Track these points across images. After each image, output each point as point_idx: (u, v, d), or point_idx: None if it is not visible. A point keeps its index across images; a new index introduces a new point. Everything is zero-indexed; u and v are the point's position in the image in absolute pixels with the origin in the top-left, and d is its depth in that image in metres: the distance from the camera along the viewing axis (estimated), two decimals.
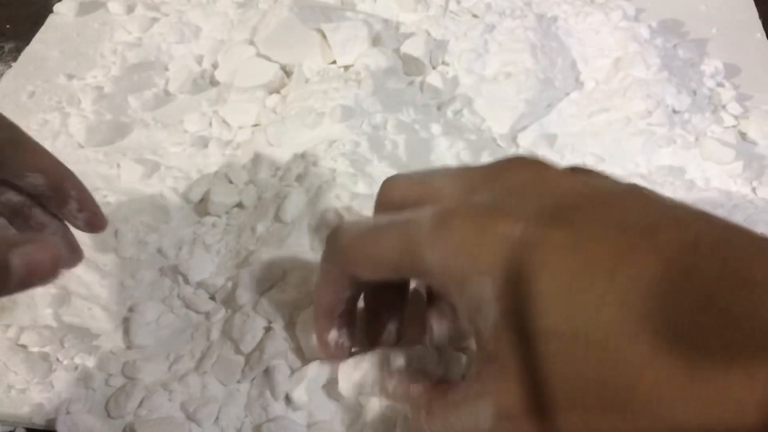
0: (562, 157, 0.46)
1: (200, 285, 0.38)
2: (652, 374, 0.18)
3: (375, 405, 0.33)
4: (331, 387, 0.33)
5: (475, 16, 0.55)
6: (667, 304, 0.18)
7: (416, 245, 0.22)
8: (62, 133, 0.48)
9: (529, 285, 0.20)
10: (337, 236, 0.27)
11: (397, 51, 0.51)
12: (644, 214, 0.21)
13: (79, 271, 0.39)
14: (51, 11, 0.59)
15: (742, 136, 0.48)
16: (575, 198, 0.22)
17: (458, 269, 0.21)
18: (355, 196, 0.40)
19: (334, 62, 0.50)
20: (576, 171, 0.24)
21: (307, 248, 0.39)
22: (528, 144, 0.47)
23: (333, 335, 0.30)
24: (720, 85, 0.51)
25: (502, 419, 0.21)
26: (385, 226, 0.24)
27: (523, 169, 0.23)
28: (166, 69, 0.53)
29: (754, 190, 0.44)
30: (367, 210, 0.40)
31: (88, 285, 0.39)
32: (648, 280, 0.19)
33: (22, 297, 0.38)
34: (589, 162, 0.45)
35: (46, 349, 0.35)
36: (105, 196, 0.43)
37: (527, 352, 0.20)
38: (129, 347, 0.36)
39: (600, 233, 0.20)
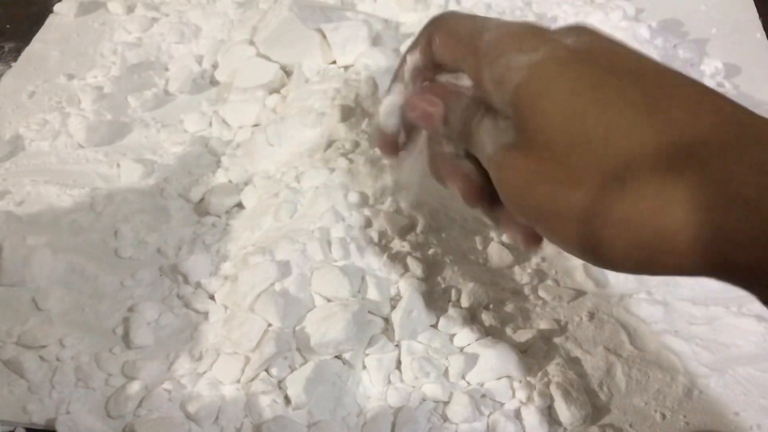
0: None
1: (200, 285, 0.38)
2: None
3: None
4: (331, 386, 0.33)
5: None
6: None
7: (483, 29, 0.26)
8: (62, 133, 0.48)
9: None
10: (445, 15, 0.29)
11: (397, 51, 0.51)
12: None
13: (80, 270, 0.39)
14: (51, 11, 0.59)
15: None
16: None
17: (503, 44, 0.25)
18: (355, 195, 0.40)
19: (334, 62, 0.50)
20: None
21: (306, 248, 0.39)
22: None
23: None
24: (720, 85, 0.51)
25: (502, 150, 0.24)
26: (473, 15, 0.28)
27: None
28: (166, 69, 0.53)
29: None
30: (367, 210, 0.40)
31: (89, 285, 0.39)
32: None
33: (22, 296, 0.38)
34: None
35: (47, 348, 0.35)
36: (105, 197, 0.43)
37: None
38: (129, 347, 0.36)
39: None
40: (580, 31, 0.24)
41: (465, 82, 0.28)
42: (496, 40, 0.25)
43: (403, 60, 0.30)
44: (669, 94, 0.21)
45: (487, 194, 0.27)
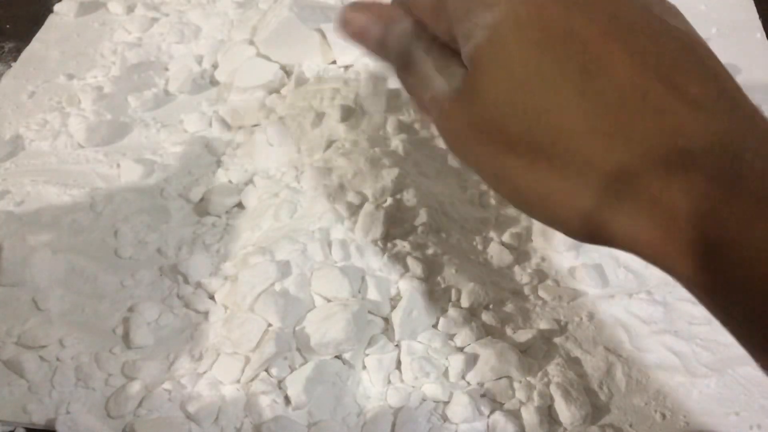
0: None
1: (199, 285, 0.38)
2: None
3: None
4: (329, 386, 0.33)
5: None
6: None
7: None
8: (62, 133, 0.48)
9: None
10: None
11: None
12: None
13: (80, 270, 0.39)
14: (51, 11, 0.59)
15: None
16: None
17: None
18: (355, 195, 0.40)
19: (334, 62, 0.50)
20: None
21: (306, 248, 0.39)
22: None
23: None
24: None
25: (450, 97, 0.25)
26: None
27: None
28: (166, 69, 0.53)
29: None
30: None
31: (89, 285, 0.39)
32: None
33: (22, 296, 0.38)
34: None
35: (47, 348, 0.35)
36: (105, 197, 0.43)
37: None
38: (129, 347, 0.36)
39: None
40: None
41: None
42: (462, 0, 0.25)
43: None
44: (601, 62, 0.22)
45: None
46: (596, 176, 0.21)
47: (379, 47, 0.28)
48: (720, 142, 0.21)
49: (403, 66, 0.28)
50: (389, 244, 0.39)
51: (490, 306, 0.37)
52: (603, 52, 0.22)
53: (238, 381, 0.34)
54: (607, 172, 0.21)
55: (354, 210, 0.40)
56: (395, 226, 0.39)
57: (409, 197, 0.40)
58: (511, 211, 0.43)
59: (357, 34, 0.28)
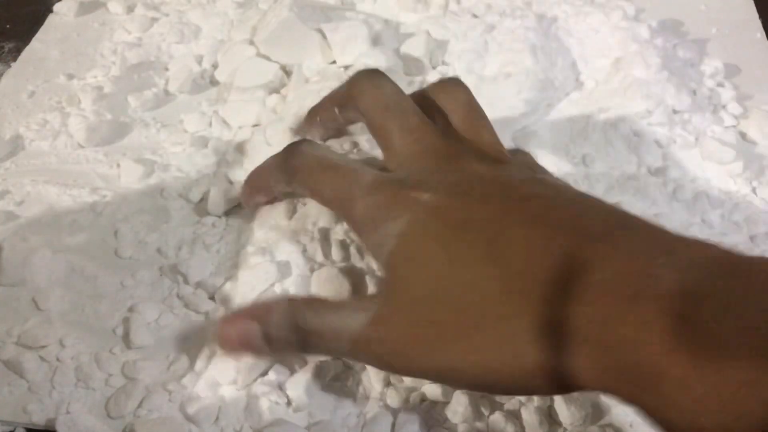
0: (559, 158, 0.46)
1: (199, 285, 0.38)
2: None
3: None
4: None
5: (475, 16, 0.55)
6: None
7: (352, 198, 0.29)
8: (62, 133, 0.48)
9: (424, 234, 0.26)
10: (298, 152, 0.32)
11: (397, 51, 0.51)
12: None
13: (80, 270, 0.39)
14: (51, 11, 0.59)
15: (742, 136, 0.48)
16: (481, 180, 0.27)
17: (375, 218, 0.28)
18: None
19: (334, 62, 0.50)
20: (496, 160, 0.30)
21: (306, 249, 0.39)
22: (526, 143, 0.47)
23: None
24: (720, 85, 0.51)
25: (370, 325, 0.26)
26: (336, 168, 0.30)
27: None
28: (166, 69, 0.53)
29: (754, 190, 0.44)
30: None
31: (89, 285, 0.39)
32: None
33: (22, 296, 0.38)
34: (587, 162, 0.45)
35: (47, 348, 0.35)
36: (105, 196, 0.43)
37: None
38: (129, 347, 0.36)
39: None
40: (439, 180, 0.27)
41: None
42: (366, 214, 0.28)
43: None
44: (507, 239, 0.24)
45: None
46: (529, 329, 0.23)
47: (267, 343, 0.28)
48: (625, 271, 0.22)
49: (303, 342, 0.27)
50: None
51: None
52: (502, 225, 0.25)
53: (237, 382, 0.34)
54: (538, 324, 0.22)
55: None
56: None
57: None
58: None
59: (241, 343, 0.28)
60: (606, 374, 0.22)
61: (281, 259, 0.37)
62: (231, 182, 0.44)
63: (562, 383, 0.23)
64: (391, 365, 0.27)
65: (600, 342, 0.21)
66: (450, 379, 0.26)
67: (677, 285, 0.21)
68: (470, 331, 0.24)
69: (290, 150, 0.32)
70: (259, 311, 0.28)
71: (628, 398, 0.22)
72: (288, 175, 0.32)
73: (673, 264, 0.22)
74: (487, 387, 0.26)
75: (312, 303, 0.28)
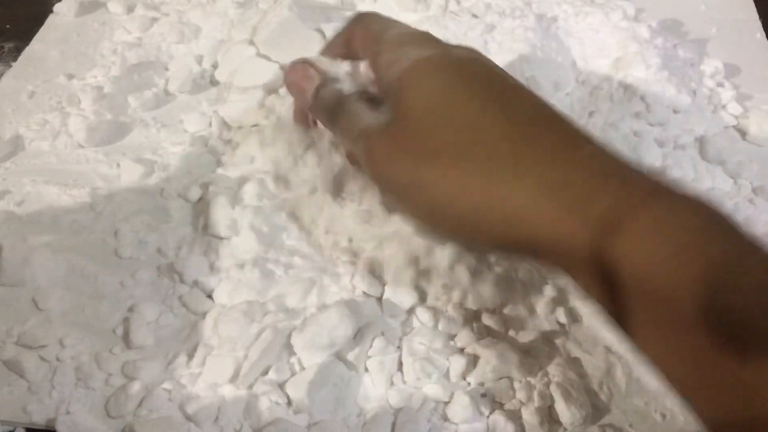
0: None
1: (197, 284, 0.38)
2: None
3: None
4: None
5: (475, 16, 0.55)
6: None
7: (388, 28, 0.31)
8: (62, 133, 0.48)
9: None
10: (367, 13, 0.34)
11: None
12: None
13: (80, 270, 0.39)
14: (51, 11, 0.59)
15: (742, 136, 0.48)
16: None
17: (399, 41, 0.30)
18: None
19: None
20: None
21: (302, 246, 0.39)
22: None
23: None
24: (720, 85, 0.51)
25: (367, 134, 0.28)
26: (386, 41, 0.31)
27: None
28: (166, 69, 0.53)
29: (754, 190, 0.44)
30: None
31: (89, 285, 0.39)
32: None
33: (22, 296, 0.38)
34: None
35: (47, 348, 0.35)
36: (105, 197, 0.43)
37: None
38: (129, 347, 0.36)
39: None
40: (468, 49, 0.29)
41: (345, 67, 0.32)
42: (398, 36, 0.30)
43: (328, 44, 0.35)
44: (515, 95, 0.27)
45: None
46: (512, 170, 0.24)
47: (312, 98, 0.31)
48: (610, 153, 0.25)
49: (333, 114, 0.30)
50: None
51: (495, 309, 0.37)
52: (516, 89, 0.27)
53: (236, 381, 0.34)
54: (521, 167, 0.24)
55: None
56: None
57: None
58: None
59: (298, 87, 0.32)
60: (598, 241, 0.22)
61: (280, 259, 0.37)
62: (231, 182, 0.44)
63: (512, 221, 0.24)
64: (384, 175, 0.27)
65: (574, 190, 0.23)
66: (419, 197, 0.26)
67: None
68: (461, 157, 0.25)
69: (354, 16, 0.35)
70: (322, 69, 0.31)
71: (576, 240, 0.23)
72: (350, 26, 0.34)
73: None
74: (439, 214, 0.26)
75: (355, 95, 0.30)
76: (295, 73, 0.32)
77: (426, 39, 0.29)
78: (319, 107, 0.31)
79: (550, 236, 0.23)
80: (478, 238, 0.26)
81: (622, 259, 0.22)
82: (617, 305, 0.22)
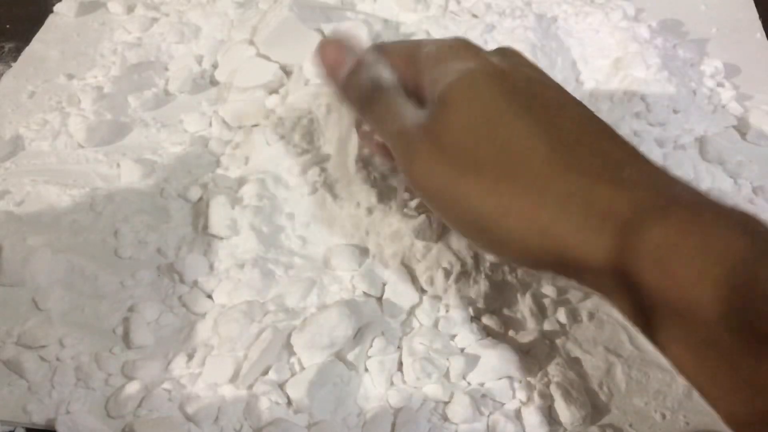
0: None
1: (196, 284, 0.38)
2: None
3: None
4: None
5: (475, 16, 0.55)
6: None
7: (424, 45, 0.31)
8: (62, 133, 0.48)
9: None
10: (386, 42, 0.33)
11: None
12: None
13: (80, 270, 0.39)
14: (51, 11, 0.59)
15: (742, 136, 0.48)
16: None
17: (442, 57, 0.29)
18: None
19: None
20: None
21: (302, 245, 0.39)
22: None
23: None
24: (720, 85, 0.51)
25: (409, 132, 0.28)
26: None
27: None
28: (166, 69, 0.53)
29: (754, 190, 0.44)
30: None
31: (89, 285, 0.39)
32: None
33: (22, 296, 0.38)
34: None
35: (47, 348, 0.35)
36: (105, 197, 0.43)
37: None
38: (129, 347, 0.36)
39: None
40: (506, 51, 0.30)
41: None
42: (436, 51, 0.29)
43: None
44: (559, 113, 0.26)
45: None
46: (555, 194, 0.24)
47: (348, 79, 0.30)
48: (653, 172, 0.25)
49: (369, 101, 0.30)
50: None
51: (495, 309, 0.37)
52: (560, 103, 0.27)
53: (236, 381, 0.34)
54: (564, 192, 0.24)
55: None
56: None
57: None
58: None
59: (330, 65, 0.31)
60: (623, 255, 0.22)
61: (280, 259, 0.37)
62: (230, 182, 0.44)
63: (552, 247, 0.24)
64: (419, 174, 0.27)
65: (628, 226, 0.22)
66: (459, 210, 0.26)
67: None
68: (502, 175, 0.25)
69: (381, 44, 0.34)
70: (359, 51, 0.31)
71: (635, 279, 0.22)
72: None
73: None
74: (480, 229, 0.26)
75: (396, 83, 0.30)
76: (331, 47, 0.31)
77: (464, 48, 0.29)
78: (352, 89, 0.31)
79: (595, 262, 0.23)
80: (521, 257, 0.26)
81: (644, 272, 0.22)
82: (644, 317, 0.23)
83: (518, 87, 0.27)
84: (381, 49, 0.31)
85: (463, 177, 0.26)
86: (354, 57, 0.30)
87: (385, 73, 0.30)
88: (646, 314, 0.22)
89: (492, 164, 0.25)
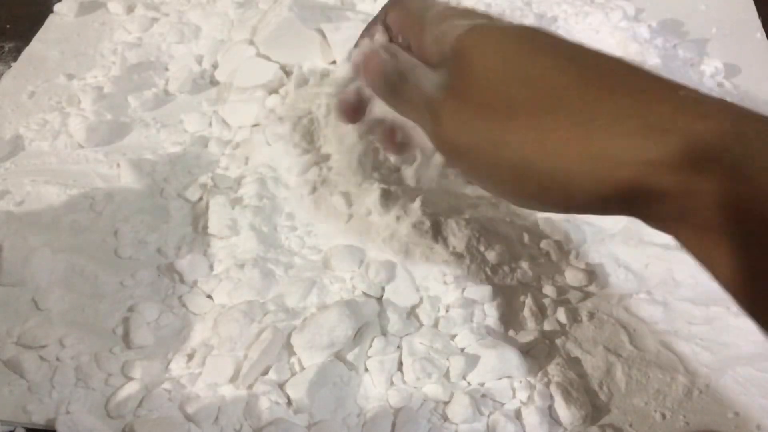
0: None
1: (196, 284, 0.38)
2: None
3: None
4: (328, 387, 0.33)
5: None
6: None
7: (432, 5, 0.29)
8: (62, 133, 0.48)
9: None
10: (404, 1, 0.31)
11: None
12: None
13: (80, 270, 0.39)
14: (51, 11, 0.59)
15: None
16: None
17: (448, 14, 0.28)
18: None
19: (334, 62, 0.50)
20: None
21: (302, 245, 0.39)
22: None
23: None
24: (720, 85, 0.51)
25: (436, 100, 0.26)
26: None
27: None
28: (166, 69, 0.53)
29: None
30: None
31: (89, 285, 0.39)
32: None
33: (22, 296, 0.38)
34: None
35: (47, 348, 0.35)
36: (105, 196, 0.43)
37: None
38: (129, 347, 0.36)
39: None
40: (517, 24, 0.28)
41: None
42: (443, 11, 0.28)
43: (365, 31, 0.32)
44: (581, 49, 0.24)
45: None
46: (606, 115, 0.22)
47: (370, 76, 0.29)
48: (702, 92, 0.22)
49: (397, 88, 0.28)
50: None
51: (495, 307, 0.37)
52: (585, 47, 0.25)
53: (235, 381, 0.34)
54: (615, 114, 0.22)
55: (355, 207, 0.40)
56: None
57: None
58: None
59: (377, 77, 0.29)
60: (681, 163, 0.20)
61: (279, 259, 0.37)
62: (230, 181, 0.44)
63: (610, 176, 0.22)
64: (455, 140, 0.25)
65: (683, 132, 0.20)
66: (502, 158, 0.24)
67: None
68: (541, 111, 0.23)
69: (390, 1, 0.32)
70: (390, 50, 0.29)
71: (694, 187, 0.21)
72: (386, 9, 0.32)
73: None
74: (526, 173, 0.24)
75: (410, 60, 0.29)
76: (372, 61, 0.29)
77: (473, 11, 0.28)
78: (382, 85, 0.29)
79: (660, 181, 0.21)
80: (567, 198, 0.23)
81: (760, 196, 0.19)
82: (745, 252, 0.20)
83: (536, 33, 0.25)
84: (392, 6, 0.30)
85: (497, 123, 0.24)
86: (390, 59, 0.29)
87: (402, 56, 0.29)
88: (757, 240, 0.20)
89: (526, 103, 0.23)
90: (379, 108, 0.31)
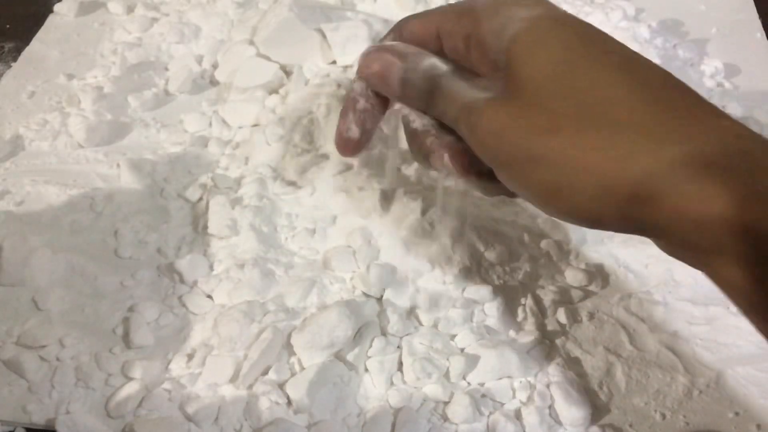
0: None
1: (196, 284, 0.38)
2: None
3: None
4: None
5: None
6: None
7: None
8: (62, 133, 0.48)
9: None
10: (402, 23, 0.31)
11: None
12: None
13: (80, 270, 0.39)
14: (51, 11, 0.59)
15: None
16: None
17: (501, 3, 0.27)
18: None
19: (334, 62, 0.50)
20: None
21: (302, 245, 0.39)
22: None
23: (350, 128, 0.31)
24: (720, 85, 0.51)
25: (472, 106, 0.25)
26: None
27: None
28: (166, 69, 0.53)
29: None
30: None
31: (89, 285, 0.39)
32: None
33: (22, 296, 0.38)
34: None
35: (47, 348, 0.35)
36: (105, 196, 0.43)
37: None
38: (129, 347, 0.36)
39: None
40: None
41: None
42: (491, 1, 0.27)
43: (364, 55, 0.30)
44: (633, 59, 0.24)
45: (474, 162, 0.27)
46: (647, 140, 0.21)
47: (399, 86, 0.28)
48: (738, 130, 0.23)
49: (430, 97, 0.27)
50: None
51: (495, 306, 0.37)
52: (636, 54, 0.24)
53: (235, 381, 0.34)
54: (658, 136, 0.21)
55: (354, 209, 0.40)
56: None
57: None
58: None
59: (377, 76, 0.28)
60: (712, 199, 0.20)
61: (279, 259, 0.37)
62: (230, 181, 0.44)
63: (644, 201, 0.21)
64: (495, 150, 0.25)
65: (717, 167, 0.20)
66: (539, 172, 0.24)
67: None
68: (585, 126, 0.23)
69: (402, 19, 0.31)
70: (402, 52, 0.28)
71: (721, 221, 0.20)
72: (400, 26, 0.31)
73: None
74: (563, 187, 0.23)
75: (449, 67, 0.28)
76: (374, 62, 0.28)
77: None
78: (410, 93, 0.28)
79: (695, 213, 0.20)
80: (603, 216, 0.23)
81: None
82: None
83: (590, 34, 0.25)
84: (421, 17, 0.29)
85: (539, 137, 0.23)
86: (399, 63, 0.28)
87: (435, 61, 0.28)
88: None
89: (572, 118, 0.23)
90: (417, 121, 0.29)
